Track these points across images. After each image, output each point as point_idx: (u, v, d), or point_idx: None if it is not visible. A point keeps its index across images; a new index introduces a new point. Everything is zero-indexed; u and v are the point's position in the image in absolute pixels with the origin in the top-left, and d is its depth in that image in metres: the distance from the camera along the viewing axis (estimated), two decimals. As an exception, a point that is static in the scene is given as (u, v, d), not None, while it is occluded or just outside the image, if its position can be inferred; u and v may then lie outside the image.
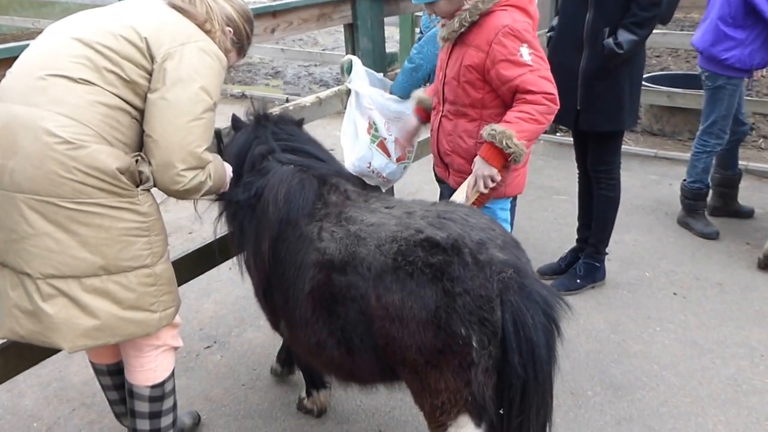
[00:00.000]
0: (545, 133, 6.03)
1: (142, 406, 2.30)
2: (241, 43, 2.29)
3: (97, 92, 1.89)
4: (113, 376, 2.43)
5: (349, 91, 3.42)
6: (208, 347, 3.33)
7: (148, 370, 2.27)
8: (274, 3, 3.40)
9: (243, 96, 7.85)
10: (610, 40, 3.10)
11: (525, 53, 2.44)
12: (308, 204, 2.23)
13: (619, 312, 3.53)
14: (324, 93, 3.51)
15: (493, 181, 2.48)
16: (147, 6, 2.07)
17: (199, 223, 2.62)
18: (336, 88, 3.57)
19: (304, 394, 2.84)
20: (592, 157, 3.51)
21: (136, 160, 1.98)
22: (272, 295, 2.32)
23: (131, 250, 1.99)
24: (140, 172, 1.98)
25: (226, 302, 3.61)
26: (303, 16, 3.46)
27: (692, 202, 4.34)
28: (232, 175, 2.32)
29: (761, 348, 3.21)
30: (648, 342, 3.28)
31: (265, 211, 2.25)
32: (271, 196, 2.25)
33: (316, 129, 3.72)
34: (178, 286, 2.88)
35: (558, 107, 2.47)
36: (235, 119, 2.60)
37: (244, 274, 2.49)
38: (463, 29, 2.53)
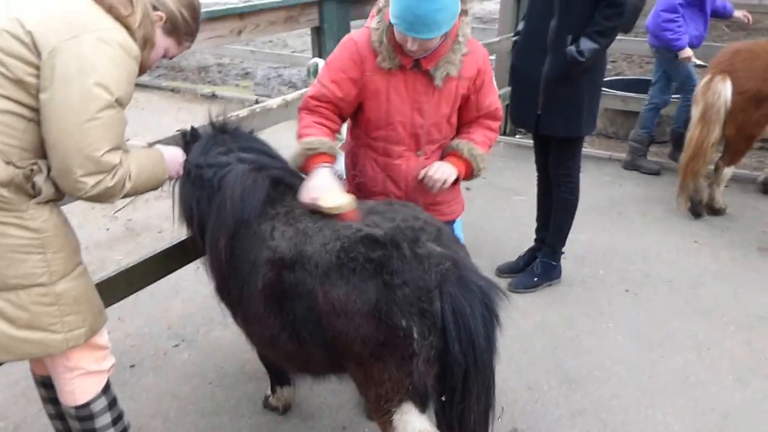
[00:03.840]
0: (504, 135, 6.10)
1: (74, 424, 2.17)
2: (177, 31, 2.03)
3: None
4: (47, 388, 2.25)
5: None
6: (176, 345, 3.30)
7: (67, 392, 2.10)
8: (241, 4, 3.38)
9: (213, 96, 7.79)
10: (573, 48, 3.12)
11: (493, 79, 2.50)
12: (261, 203, 2.23)
13: (573, 308, 3.59)
14: (290, 95, 3.49)
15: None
16: None
17: (168, 222, 2.58)
18: (302, 91, 3.56)
19: (269, 392, 2.85)
20: (552, 161, 3.55)
21: (31, 170, 1.79)
22: (229, 291, 2.33)
23: (21, 267, 1.82)
24: (33, 183, 1.80)
25: (195, 301, 3.58)
26: (270, 19, 3.45)
27: (677, 142, 5.14)
28: (181, 158, 2.26)
29: (707, 342, 3.30)
30: (601, 337, 3.35)
31: (222, 209, 2.25)
32: (228, 194, 2.24)
33: (282, 131, 3.70)
34: (147, 285, 2.87)
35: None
36: (193, 131, 2.56)
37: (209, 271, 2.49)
38: (461, 62, 2.39)
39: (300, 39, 10.96)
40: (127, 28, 1.85)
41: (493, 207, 4.74)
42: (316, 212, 2.17)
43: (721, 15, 5.16)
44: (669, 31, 4.75)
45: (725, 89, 4.25)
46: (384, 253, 1.89)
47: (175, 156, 2.24)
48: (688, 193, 4.55)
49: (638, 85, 6.41)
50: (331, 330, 1.95)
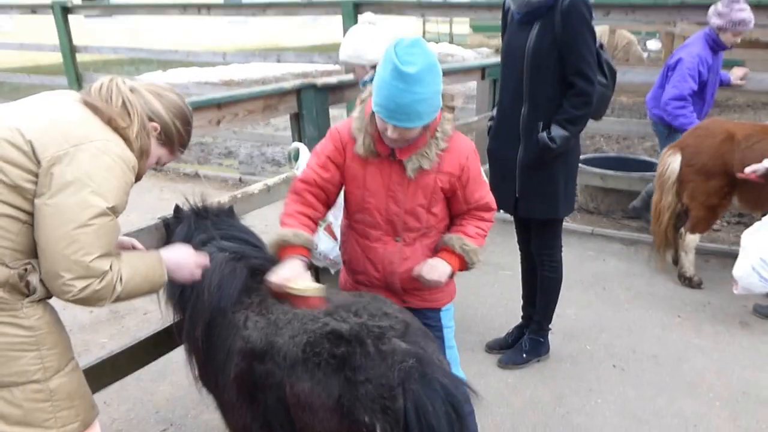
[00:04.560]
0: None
1: None
2: (171, 141, 2.11)
3: None
4: None
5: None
6: (164, 430, 3.25)
7: None
8: (218, 95, 3.40)
9: (196, 175, 7.87)
10: (544, 135, 3.20)
11: (484, 173, 2.54)
12: (237, 292, 2.28)
13: (563, 384, 3.60)
14: (272, 180, 3.53)
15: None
16: (49, 103, 1.94)
17: (154, 304, 2.60)
18: (284, 175, 3.61)
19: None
20: (534, 242, 3.63)
21: (25, 269, 1.83)
22: (208, 379, 2.36)
23: (15, 365, 1.83)
24: (27, 283, 1.83)
25: (183, 384, 3.51)
26: (248, 108, 3.49)
27: (648, 198, 5.47)
28: (193, 259, 2.25)
29: (694, 418, 3.31)
30: (590, 414, 3.35)
31: (200, 297, 2.29)
32: (206, 283, 2.28)
33: (264, 214, 3.75)
34: (135, 370, 2.86)
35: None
36: (176, 209, 2.63)
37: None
38: (436, 157, 2.41)
39: (282, 118, 11.16)
40: (125, 139, 1.93)
41: (480, 283, 4.79)
42: (285, 302, 2.22)
43: (720, 85, 5.35)
44: (682, 116, 4.99)
45: (674, 161, 4.64)
46: (348, 350, 1.92)
47: (185, 257, 2.22)
48: (660, 256, 4.95)
49: (617, 163, 6.60)
50: (298, 421, 1.98)
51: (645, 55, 17.24)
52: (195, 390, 2.70)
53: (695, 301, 4.57)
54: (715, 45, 4.94)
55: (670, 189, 4.67)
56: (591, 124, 6.63)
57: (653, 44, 19.34)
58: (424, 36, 27.68)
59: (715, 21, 4.86)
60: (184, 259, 2.23)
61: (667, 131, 5.26)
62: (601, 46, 3.28)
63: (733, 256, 5.11)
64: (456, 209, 2.58)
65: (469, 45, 27.65)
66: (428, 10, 6.63)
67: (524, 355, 3.73)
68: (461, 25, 28.79)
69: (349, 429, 1.86)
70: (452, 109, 2.43)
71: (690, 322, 4.27)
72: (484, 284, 4.75)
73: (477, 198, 2.53)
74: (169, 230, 2.63)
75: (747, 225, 5.28)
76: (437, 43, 25.65)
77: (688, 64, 4.93)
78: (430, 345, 2.11)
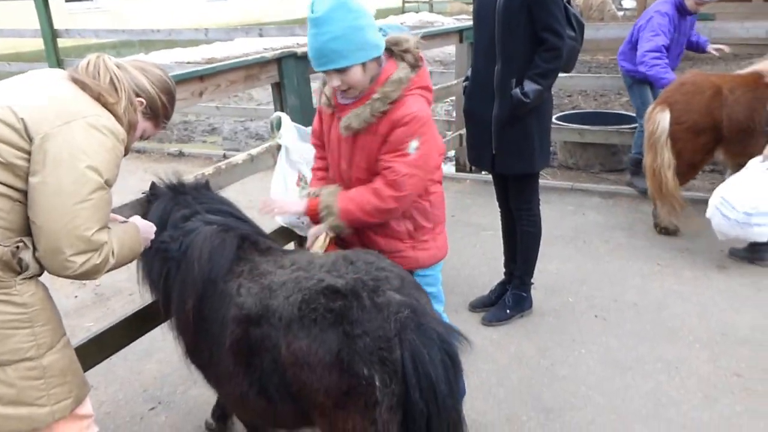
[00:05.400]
0: (471, 171, 6.17)
1: None
2: (156, 114, 2.14)
3: None
4: None
5: (279, 147, 3.44)
6: (153, 408, 3.20)
7: None
8: (200, 68, 3.40)
9: (180, 154, 7.77)
10: (518, 90, 3.21)
11: (412, 146, 2.32)
12: (229, 262, 2.24)
13: (546, 338, 3.59)
14: (255, 150, 3.51)
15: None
16: (38, 81, 1.94)
17: (139, 284, 2.56)
18: (267, 145, 3.57)
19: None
20: (512, 197, 3.61)
21: (17, 246, 1.81)
22: (200, 353, 2.32)
23: (9, 343, 1.81)
24: (20, 260, 1.81)
25: (170, 361, 3.46)
26: (230, 78, 3.45)
27: (635, 167, 5.29)
28: (152, 231, 2.26)
29: (675, 362, 3.32)
30: (574, 365, 3.35)
31: (190, 271, 2.25)
32: (196, 256, 2.24)
33: (250, 184, 3.70)
34: (119, 349, 2.82)
35: (397, 210, 2.42)
36: (152, 186, 2.56)
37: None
38: (374, 119, 2.34)
39: (265, 92, 11.04)
40: (114, 114, 1.94)
41: (463, 244, 4.77)
42: (282, 266, 2.19)
43: (695, 49, 5.40)
44: (658, 66, 4.96)
45: (663, 119, 4.45)
46: (344, 303, 1.90)
47: (146, 230, 2.23)
48: (673, 211, 4.68)
49: (594, 118, 6.56)
50: (295, 382, 1.95)
51: (620, 14, 17.14)
52: (182, 367, 2.70)
53: (673, 248, 4.56)
54: (681, 8, 5.03)
55: (664, 146, 4.49)
56: (569, 81, 6.68)
57: (628, 2, 19.19)
58: (404, 5, 27.34)
59: None
60: (147, 232, 2.23)
61: (633, 82, 5.37)
62: (569, 1, 3.25)
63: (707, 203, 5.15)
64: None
65: (449, 12, 27.38)
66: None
67: (508, 311, 3.72)
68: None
69: (348, 383, 1.84)
70: (413, 63, 2.36)
71: (669, 270, 4.26)
72: (467, 245, 4.72)
73: (384, 161, 2.35)
74: (146, 208, 2.59)
75: (721, 173, 5.29)
76: (417, 12, 25.41)
77: (659, 20, 5.00)
78: (423, 297, 2.12)
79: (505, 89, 3.28)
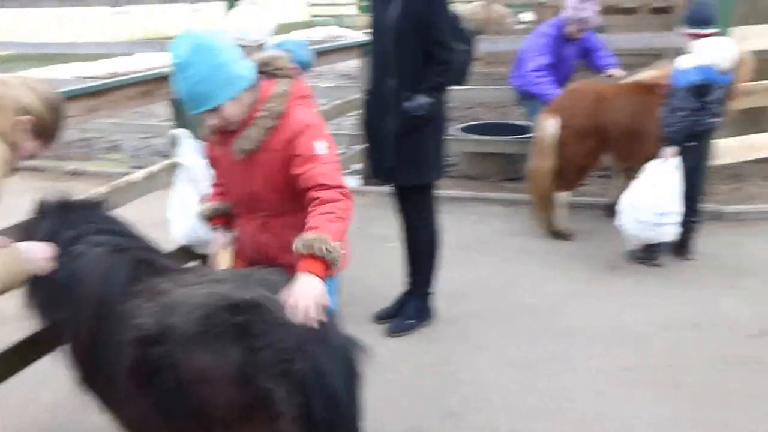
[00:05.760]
0: (373, 185, 6.21)
1: None
2: (43, 133, 2.06)
3: None
4: None
5: (178, 165, 3.37)
6: (47, 439, 3.05)
7: None
8: (94, 84, 3.29)
9: (79, 172, 7.36)
10: (410, 103, 3.29)
11: (320, 146, 2.29)
12: (123, 284, 2.17)
13: (449, 345, 3.66)
14: (154, 167, 3.44)
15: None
16: None
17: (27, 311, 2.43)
18: (165, 162, 3.50)
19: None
20: (409, 208, 3.67)
21: None
22: (96, 379, 2.23)
23: None
24: None
25: (64, 389, 3.27)
26: (127, 94, 3.36)
27: None
28: (47, 254, 2.14)
29: (571, 360, 3.47)
30: (477, 369, 3.43)
31: (81, 295, 2.15)
32: (86, 279, 2.16)
33: (147, 203, 3.59)
34: (6, 379, 2.67)
35: (351, 201, 2.30)
36: (39, 206, 2.41)
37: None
38: (265, 137, 2.30)
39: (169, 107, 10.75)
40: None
41: (367, 256, 4.78)
42: (182, 284, 2.13)
43: (595, 68, 5.51)
44: (541, 84, 5.19)
45: (551, 125, 4.69)
46: (247, 318, 1.89)
47: (39, 254, 2.12)
48: (544, 217, 4.95)
49: (495, 129, 6.78)
50: (198, 399, 1.91)
51: (520, 26, 17.77)
52: (77, 394, 2.58)
53: (569, 252, 4.76)
54: (563, 33, 5.23)
55: (550, 153, 4.73)
56: (470, 93, 6.85)
57: (527, 16, 19.93)
58: (311, 18, 27.40)
59: (565, 13, 5.19)
60: (33, 253, 2.12)
61: (524, 97, 5.58)
62: (458, 16, 3.37)
63: (600, 207, 5.42)
64: (303, 193, 2.34)
65: (359, 26, 27.52)
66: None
67: (410, 321, 3.77)
68: (349, 6, 28.63)
69: (251, 397, 1.84)
70: (288, 76, 2.36)
71: (565, 272, 4.45)
72: (371, 257, 4.75)
73: (306, 176, 2.27)
74: (32, 229, 2.46)
75: (611, 178, 5.56)
76: (326, 26, 25.44)
77: (541, 41, 5.26)
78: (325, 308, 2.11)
79: (398, 102, 3.34)
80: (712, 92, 4.11)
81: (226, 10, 5.94)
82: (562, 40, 5.25)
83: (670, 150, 4.18)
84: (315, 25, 26.51)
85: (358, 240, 5.01)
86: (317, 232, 2.11)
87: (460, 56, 3.34)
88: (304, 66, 3.76)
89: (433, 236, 3.69)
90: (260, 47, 3.48)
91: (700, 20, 4.28)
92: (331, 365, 1.88)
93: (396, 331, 3.75)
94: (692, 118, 4.11)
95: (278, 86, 2.33)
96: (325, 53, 5.74)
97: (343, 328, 2.15)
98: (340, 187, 2.27)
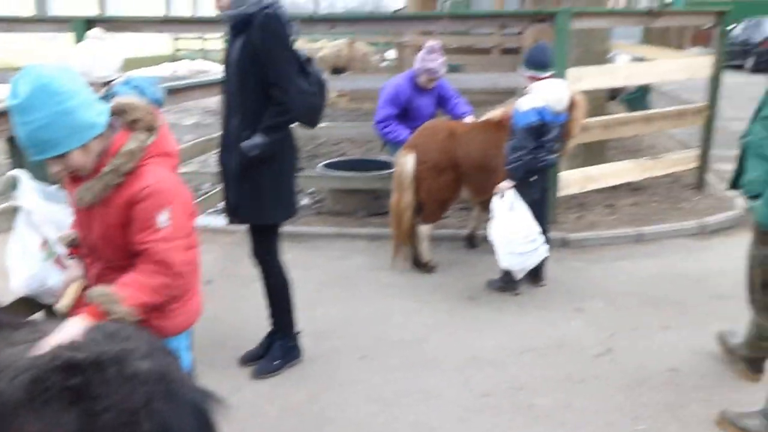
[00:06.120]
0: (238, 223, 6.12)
1: None
2: None
3: None
4: None
5: (17, 208, 3.15)
6: None
7: None
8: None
9: None
10: (247, 143, 3.28)
11: (162, 219, 2.21)
12: None
13: (316, 384, 3.65)
14: (-8, 212, 3.18)
15: None
16: None
17: None
18: (2, 206, 3.26)
19: None
20: (255, 249, 3.63)
21: None
22: None
23: None
24: None
25: None
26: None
27: None
28: None
29: (435, 390, 3.55)
30: (342, 406, 3.44)
31: None
32: None
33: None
34: None
35: (180, 282, 2.31)
36: None
37: None
38: (105, 192, 2.22)
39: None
40: None
41: (234, 297, 4.70)
42: (12, 344, 1.97)
43: (452, 116, 5.61)
44: (389, 133, 5.45)
45: (408, 162, 4.87)
46: (84, 379, 1.77)
47: None
48: (404, 251, 5.09)
49: (359, 165, 6.91)
50: None
51: (384, 63, 18.35)
52: None
53: (431, 284, 4.92)
54: (415, 84, 5.45)
55: (409, 188, 4.88)
56: (336, 131, 6.98)
57: (391, 54, 20.60)
58: (176, 53, 26.72)
59: (415, 65, 5.42)
60: None
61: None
62: (309, 59, 3.39)
63: (460, 239, 5.65)
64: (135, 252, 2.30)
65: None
66: (166, 27, 6.41)
67: (276, 362, 3.72)
68: (215, 41, 28.26)
69: None
70: (148, 130, 2.27)
71: (427, 305, 4.58)
72: (237, 298, 4.66)
73: (139, 245, 2.23)
74: None
75: (470, 210, 5.83)
76: (192, 59, 24.90)
77: (390, 92, 5.48)
78: (175, 363, 2.03)
79: (240, 141, 3.33)
80: (548, 132, 4.43)
81: (74, 43, 5.75)
82: (416, 90, 5.46)
83: (505, 184, 4.45)
84: (180, 59, 25.90)
85: (225, 281, 4.96)
86: (119, 288, 2.15)
87: (308, 98, 3.32)
88: (153, 103, 3.68)
89: (278, 278, 3.64)
90: (107, 84, 3.37)
91: (537, 64, 4.56)
92: (181, 422, 1.80)
93: (262, 373, 3.68)
94: (530, 157, 4.38)
95: (131, 141, 2.21)
96: (187, 90, 5.64)
97: (195, 381, 2.10)
98: (170, 266, 2.23)
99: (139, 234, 2.23)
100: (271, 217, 3.51)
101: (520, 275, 4.60)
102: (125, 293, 2.15)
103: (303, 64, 3.31)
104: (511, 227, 4.41)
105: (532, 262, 4.52)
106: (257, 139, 3.27)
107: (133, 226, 2.23)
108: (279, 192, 3.47)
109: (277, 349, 3.75)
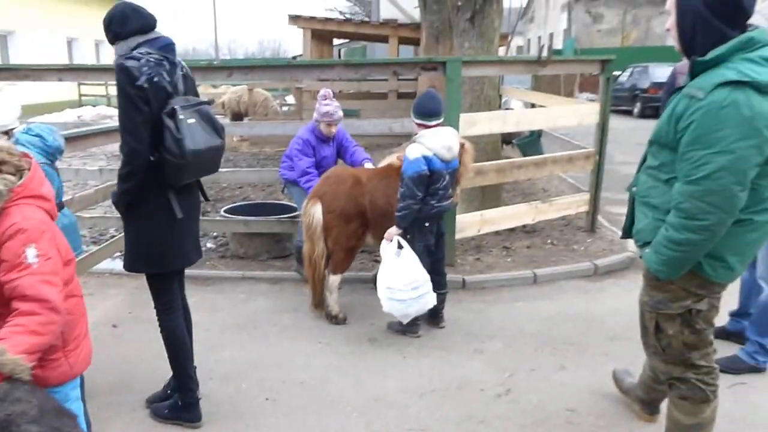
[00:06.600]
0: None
1: None
2: None
3: None
4: None
5: None
6: None
7: None
8: None
9: None
10: (113, 191, 3.34)
11: (31, 254, 2.19)
12: None
13: (220, 427, 3.64)
14: None
15: None
16: None
17: None
18: None
19: None
20: (151, 296, 3.58)
21: None
22: None
23: None
24: None
25: None
26: None
27: (299, 254, 5.63)
28: None
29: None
30: (247, 450, 3.46)
31: None
32: None
33: None
34: None
35: (63, 318, 2.25)
36: None
37: None
38: None
39: None
40: None
41: (142, 340, 4.60)
42: None
43: (352, 164, 5.77)
44: (311, 183, 5.41)
45: (316, 211, 4.88)
46: None
47: None
48: (319, 299, 5.10)
49: (261, 209, 6.97)
50: None
51: (285, 108, 18.55)
52: None
53: (333, 326, 5.00)
54: (317, 134, 5.65)
55: (320, 237, 4.89)
56: (236, 175, 7.03)
57: (290, 99, 20.82)
58: (80, 98, 25.74)
59: (314, 116, 5.61)
60: None
61: (288, 184, 5.93)
62: (173, 111, 3.09)
63: (361, 281, 5.79)
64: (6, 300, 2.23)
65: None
66: (68, 74, 6.25)
67: (165, 411, 3.65)
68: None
69: None
70: (15, 172, 2.27)
71: (329, 347, 4.66)
72: (145, 341, 4.56)
73: (10, 286, 2.18)
74: None
75: (371, 253, 6.00)
76: (95, 105, 24.13)
77: (297, 145, 5.64)
78: (68, 423, 1.96)
79: None
80: (438, 180, 4.51)
81: (-26, 92, 5.57)
82: (319, 141, 5.65)
83: (393, 230, 4.58)
84: (85, 105, 25.08)
85: (133, 324, 4.88)
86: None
87: (170, 160, 3.10)
88: (53, 151, 3.65)
89: (164, 331, 3.56)
90: (7, 133, 3.35)
91: (425, 112, 4.57)
92: None
93: (153, 415, 3.63)
94: (418, 206, 4.50)
95: None
96: (90, 136, 5.57)
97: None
98: (44, 300, 2.18)
99: (8, 273, 2.17)
100: (132, 265, 3.42)
101: (405, 320, 4.65)
102: (7, 342, 2.06)
103: (171, 131, 3.07)
104: (395, 273, 4.48)
105: (415, 310, 4.55)
106: (116, 188, 3.27)
107: (2, 267, 2.17)
108: (139, 242, 3.36)
109: (174, 399, 3.67)
